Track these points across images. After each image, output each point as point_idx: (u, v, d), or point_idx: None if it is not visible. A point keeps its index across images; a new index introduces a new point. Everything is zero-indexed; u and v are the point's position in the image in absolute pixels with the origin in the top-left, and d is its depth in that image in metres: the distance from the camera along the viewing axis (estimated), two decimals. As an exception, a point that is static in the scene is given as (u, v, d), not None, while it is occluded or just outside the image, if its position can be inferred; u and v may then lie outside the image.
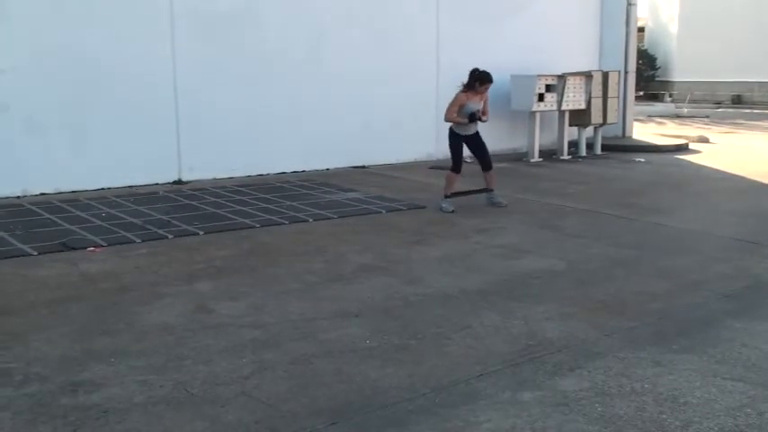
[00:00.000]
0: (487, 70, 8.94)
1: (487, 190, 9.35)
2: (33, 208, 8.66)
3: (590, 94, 13.94)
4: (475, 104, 8.99)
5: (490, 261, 6.75)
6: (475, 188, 9.43)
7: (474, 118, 8.95)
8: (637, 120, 18.11)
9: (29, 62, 9.43)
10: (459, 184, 9.16)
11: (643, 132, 17.54)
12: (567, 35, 15.01)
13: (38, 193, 9.49)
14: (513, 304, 5.49)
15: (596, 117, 14.20)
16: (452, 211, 8.89)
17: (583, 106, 13.97)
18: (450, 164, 9.13)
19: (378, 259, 6.74)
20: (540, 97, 13.33)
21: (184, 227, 7.83)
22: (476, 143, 9.21)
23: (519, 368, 4.34)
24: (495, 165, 9.40)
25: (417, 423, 3.69)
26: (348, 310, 5.35)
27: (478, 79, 8.94)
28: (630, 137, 16.22)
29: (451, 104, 9.05)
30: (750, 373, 4.28)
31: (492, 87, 9.29)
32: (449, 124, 9.12)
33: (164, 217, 8.27)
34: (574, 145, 14.25)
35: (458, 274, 6.29)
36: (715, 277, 6.24)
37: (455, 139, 9.13)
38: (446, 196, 9.07)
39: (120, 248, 7.01)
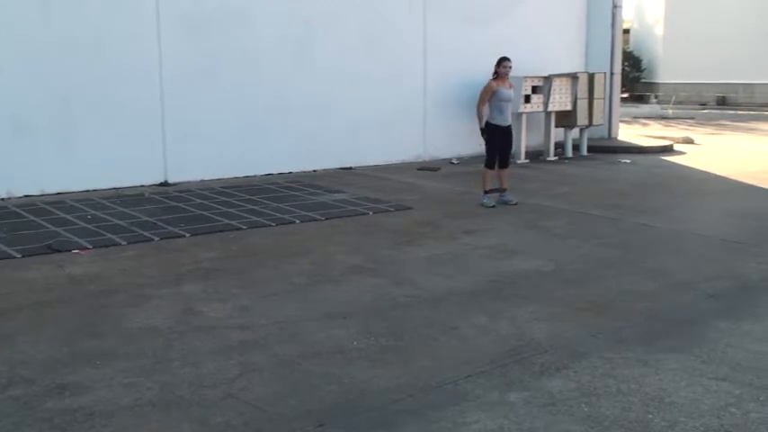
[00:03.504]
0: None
1: (500, 190, 9.44)
2: (18, 210, 8.59)
3: (576, 95, 13.99)
4: (505, 90, 9.24)
5: (478, 262, 6.76)
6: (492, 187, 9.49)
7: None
8: (622, 121, 18.21)
9: (14, 62, 9.37)
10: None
11: (629, 134, 17.63)
12: (553, 37, 15.06)
13: (22, 195, 9.42)
14: (501, 305, 5.51)
15: (582, 118, 14.26)
16: (493, 206, 9.10)
17: (569, 108, 14.02)
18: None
19: (366, 260, 6.74)
20: (527, 99, 13.37)
21: (171, 229, 7.80)
22: (505, 138, 9.38)
23: (506, 369, 4.35)
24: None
25: (405, 424, 3.70)
26: (336, 311, 5.34)
27: (497, 62, 9.30)
28: (616, 138, 16.29)
29: (482, 94, 9.32)
30: (735, 372, 4.31)
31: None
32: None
33: (150, 219, 8.23)
34: (560, 146, 14.29)
35: (446, 275, 6.29)
36: (701, 277, 6.28)
37: (491, 132, 9.26)
38: (485, 192, 9.27)
39: (106, 251, 6.97)
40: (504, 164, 9.39)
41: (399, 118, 12.92)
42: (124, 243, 7.24)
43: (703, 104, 31.12)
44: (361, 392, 4.04)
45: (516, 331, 4.97)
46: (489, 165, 9.30)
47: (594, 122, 14.57)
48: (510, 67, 9.33)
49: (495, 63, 9.36)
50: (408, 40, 13.06)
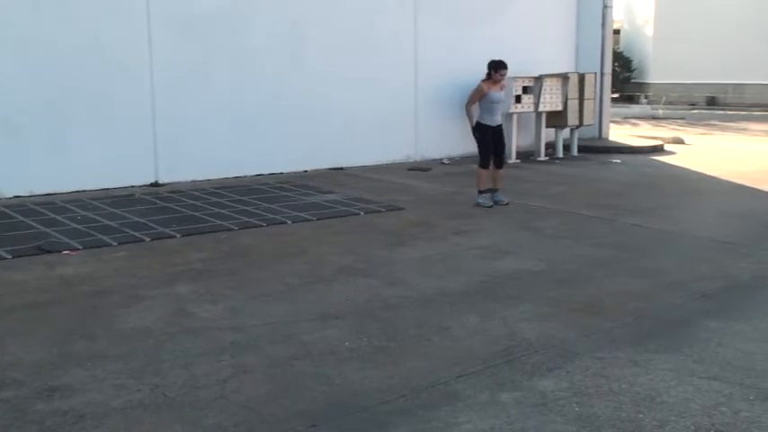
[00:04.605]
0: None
1: (492, 190, 9.42)
2: (7, 211, 8.55)
3: (567, 95, 14.02)
4: (496, 93, 9.24)
5: (470, 262, 6.77)
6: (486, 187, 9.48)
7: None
8: (613, 121, 18.26)
9: (5, 62, 9.32)
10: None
11: (619, 134, 17.67)
12: (543, 37, 15.09)
13: (11, 195, 9.37)
14: (493, 305, 5.51)
15: (573, 119, 14.29)
16: (491, 206, 9.09)
17: (560, 108, 14.05)
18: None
19: (358, 261, 6.73)
20: (518, 99, 13.38)
21: (162, 229, 7.77)
22: (498, 138, 9.37)
23: (498, 369, 4.35)
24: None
25: (397, 425, 3.70)
26: (328, 312, 5.34)
27: (494, 67, 9.26)
28: (607, 138, 16.33)
29: (472, 94, 9.31)
30: (726, 372, 4.33)
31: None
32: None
33: (141, 219, 8.21)
34: (551, 146, 14.32)
35: (438, 276, 6.30)
36: (692, 278, 6.30)
37: (483, 132, 9.26)
38: (480, 192, 9.26)
39: (96, 251, 6.94)
40: (499, 164, 9.39)
41: (391, 118, 12.91)
42: (115, 244, 7.21)
43: (693, 105, 31.24)
44: (354, 393, 4.04)
45: (508, 331, 4.97)
46: (484, 164, 9.29)
47: (585, 123, 14.60)
48: (505, 75, 9.34)
49: (488, 64, 9.30)
50: (400, 41, 13.05)
